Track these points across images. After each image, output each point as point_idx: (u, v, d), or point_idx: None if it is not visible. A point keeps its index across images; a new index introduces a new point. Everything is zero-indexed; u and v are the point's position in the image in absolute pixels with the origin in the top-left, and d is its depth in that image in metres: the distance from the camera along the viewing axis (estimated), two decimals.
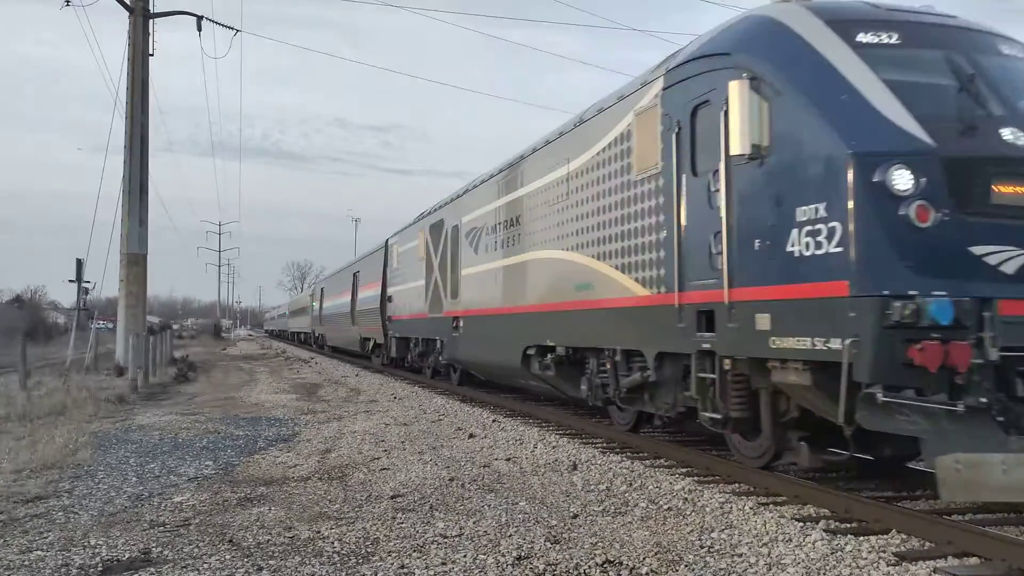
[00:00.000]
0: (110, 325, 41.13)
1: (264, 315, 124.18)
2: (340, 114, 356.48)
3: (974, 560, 5.47)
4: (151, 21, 24.88)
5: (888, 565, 5.37)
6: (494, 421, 13.09)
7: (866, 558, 5.51)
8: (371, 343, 28.91)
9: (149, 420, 13.62)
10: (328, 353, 42.12)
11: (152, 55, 24.80)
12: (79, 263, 25.59)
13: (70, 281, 25.99)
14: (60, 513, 7.09)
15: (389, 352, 25.40)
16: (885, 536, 6.09)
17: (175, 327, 73.65)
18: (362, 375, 25.07)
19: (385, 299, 25.19)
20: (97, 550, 5.90)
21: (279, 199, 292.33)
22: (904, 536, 6.06)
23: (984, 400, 5.80)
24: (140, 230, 24.13)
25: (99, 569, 5.50)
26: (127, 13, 24.44)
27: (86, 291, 27.16)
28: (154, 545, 6.04)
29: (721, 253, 7.62)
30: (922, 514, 6.44)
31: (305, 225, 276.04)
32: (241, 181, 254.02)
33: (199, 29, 26.51)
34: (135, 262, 24.08)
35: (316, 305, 42.98)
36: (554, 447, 10.31)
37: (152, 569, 5.46)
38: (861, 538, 5.97)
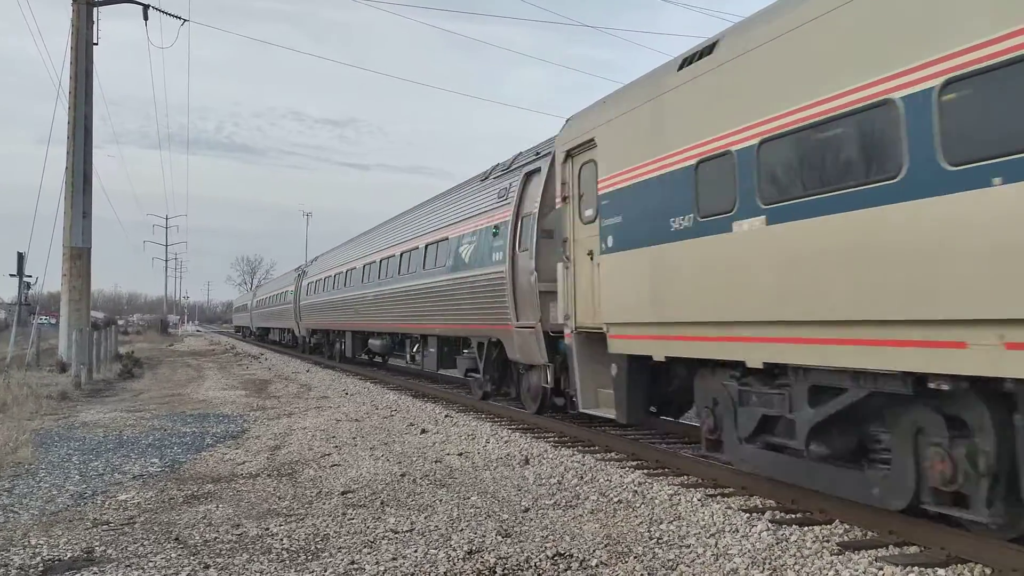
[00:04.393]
0: (52, 321, 40.14)
1: (232, 306, 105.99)
2: (296, 107, 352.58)
3: (914, 549, 5.62)
4: (95, 9, 24.32)
5: (831, 554, 5.50)
6: (447, 416, 13.07)
7: (810, 548, 5.63)
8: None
9: (93, 417, 13.33)
10: (278, 349, 41.68)
11: (97, 44, 24.28)
12: (20, 257, 24.88)
13: (11, 275, 25.23)
14: None
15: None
16: (829, 526, 6.23)
17: (120, 323, 72.21)
18: (313, 371, 24.82)
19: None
20: (38, 550, 5.76)
21: (230, 193, 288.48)
22: (847, 526, 6.20)
23: None
24: (83, 223, 23.60)
25: (40, 569, 5.37)
26: (70, 0, 23.86)
27: (28, 285, 26.39)
28: (97, 544, 5.92)
29: None
30: (865, 505, 6.57)
31: (255, 219, 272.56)
32: (189, 173, 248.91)
33: (145, 18, 26.04)
34: (78, 256, 23.55)
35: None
36: (506, 442, 10.33)
37: (95, 568, 5.35)
38: (805, 528, 6.10)
